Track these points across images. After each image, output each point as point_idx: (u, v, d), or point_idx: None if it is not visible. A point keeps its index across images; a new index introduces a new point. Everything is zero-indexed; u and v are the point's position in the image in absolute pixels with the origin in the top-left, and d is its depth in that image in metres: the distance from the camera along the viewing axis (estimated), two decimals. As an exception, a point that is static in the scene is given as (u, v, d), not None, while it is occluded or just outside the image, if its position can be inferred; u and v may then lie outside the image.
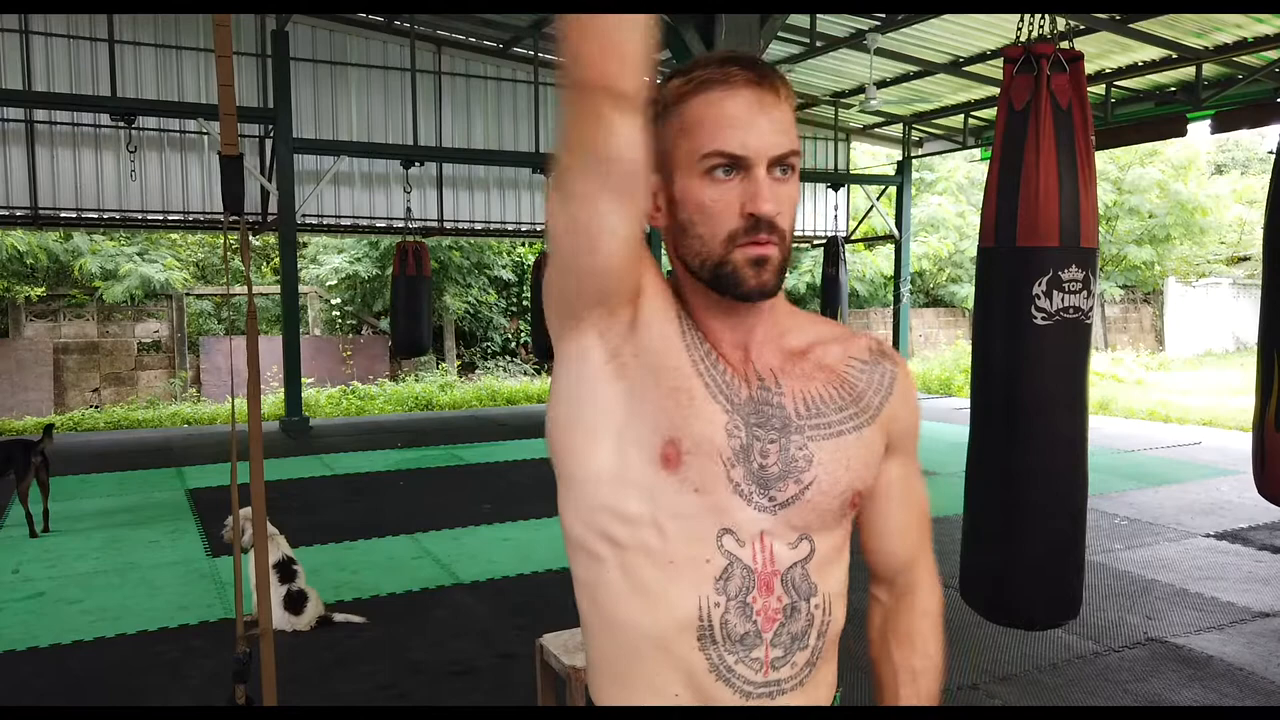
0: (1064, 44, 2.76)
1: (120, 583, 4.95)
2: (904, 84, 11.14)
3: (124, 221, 10.38)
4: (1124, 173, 19.19)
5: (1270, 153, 19.76)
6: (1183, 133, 9.88)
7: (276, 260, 13.34)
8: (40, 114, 9.64)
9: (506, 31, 11.21)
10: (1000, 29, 9.06)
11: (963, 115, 12.01)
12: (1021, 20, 2.94)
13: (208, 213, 10.50)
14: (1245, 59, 9.08)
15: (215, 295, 15.35)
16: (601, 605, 1.05)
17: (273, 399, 11.77)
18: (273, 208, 10.04)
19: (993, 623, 2.88)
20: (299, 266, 11.83)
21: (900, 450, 1.14)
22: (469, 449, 9.17)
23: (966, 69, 10.33)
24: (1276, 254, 3.48)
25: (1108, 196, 18.46)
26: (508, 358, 17.12)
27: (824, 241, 12.82)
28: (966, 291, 18.61)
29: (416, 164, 10.68)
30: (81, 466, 8.19)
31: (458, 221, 12.08)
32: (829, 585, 1.05)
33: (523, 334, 17.13)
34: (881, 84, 10.64)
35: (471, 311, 16.60)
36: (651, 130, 1.00)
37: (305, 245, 15.96)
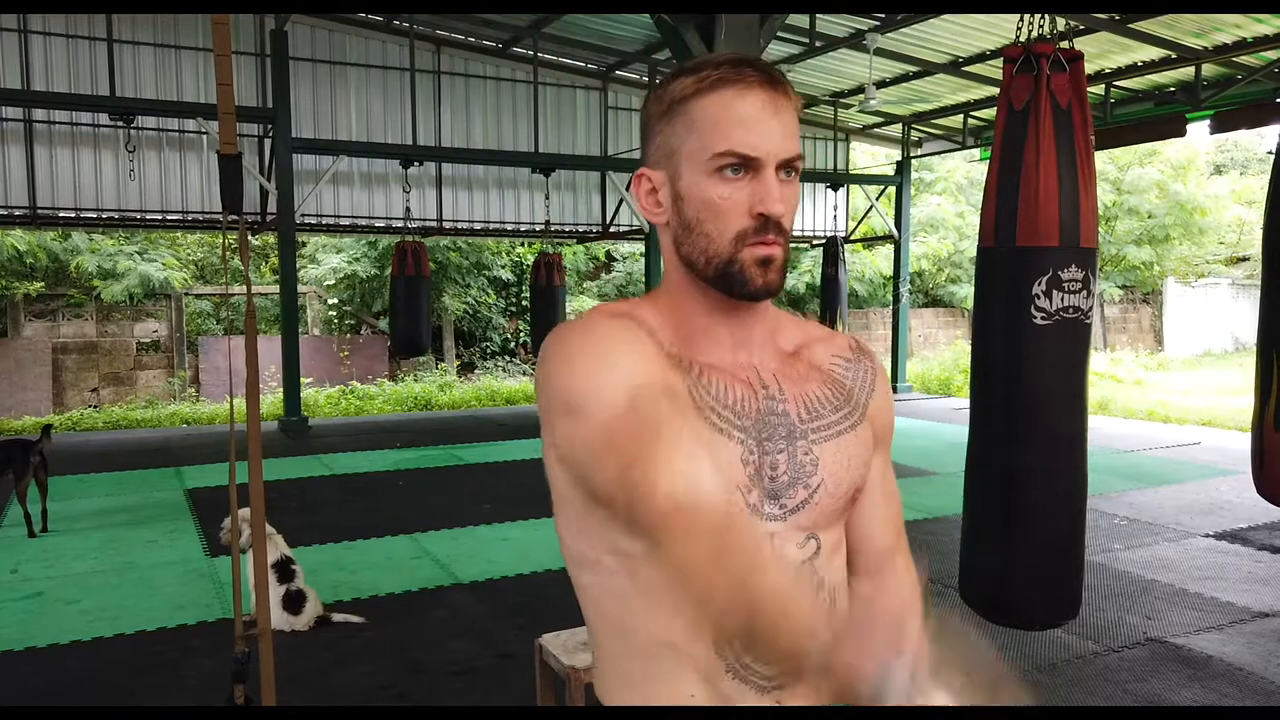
0: (1064, 44, 2.76)
1: (118, 583, 4.95)
2: (903, 84, 11.14)
3: (123, 221, 10.37)
4: (1123, 173, 19.20)
5: (1269, 153, 19.76)
6: (1182, 133, 9.88)
7: (275, 260, 13.33)
8: (39, 113, 9.63)
9: (506, 31, 11.20)
10: (1000, 29, 9.06)
11: (962, 115, 12.01)
12: (1021, 20, 2.93)
13: (206, 212, 10.49)
14: (1244, 59, 9.08)
15: (214, 295, 15.35)
16: (610, 612, 1.04)
17: (271, 399, 11.76)
18: (272, 207, 10.03)
19: (992, 623, 2.88)
20: (298, 266, 11.83)
21: (881, 445, 1.16)
22: (468, 449, 9.16)
23: (966, 69, 10.33)
24: (1276, 254, 3.49)
25: (1107, 197, 18.46)
26: (507, 358, 17.12)
27: (823, 241, 12.81)
28: (966, 292, 18.61)
29: (415, 164, 10.67)
30: (80, 466, 8.18)
31: (457, 221, 12.08)
32: (834, 576, 1.07)
33: (522, 334, 17.13)
34: (881, 84, 10.64)
35: (470, 311, 16.59)
36: (657, 127, 1.03)
37: (304, 245, 15.95)
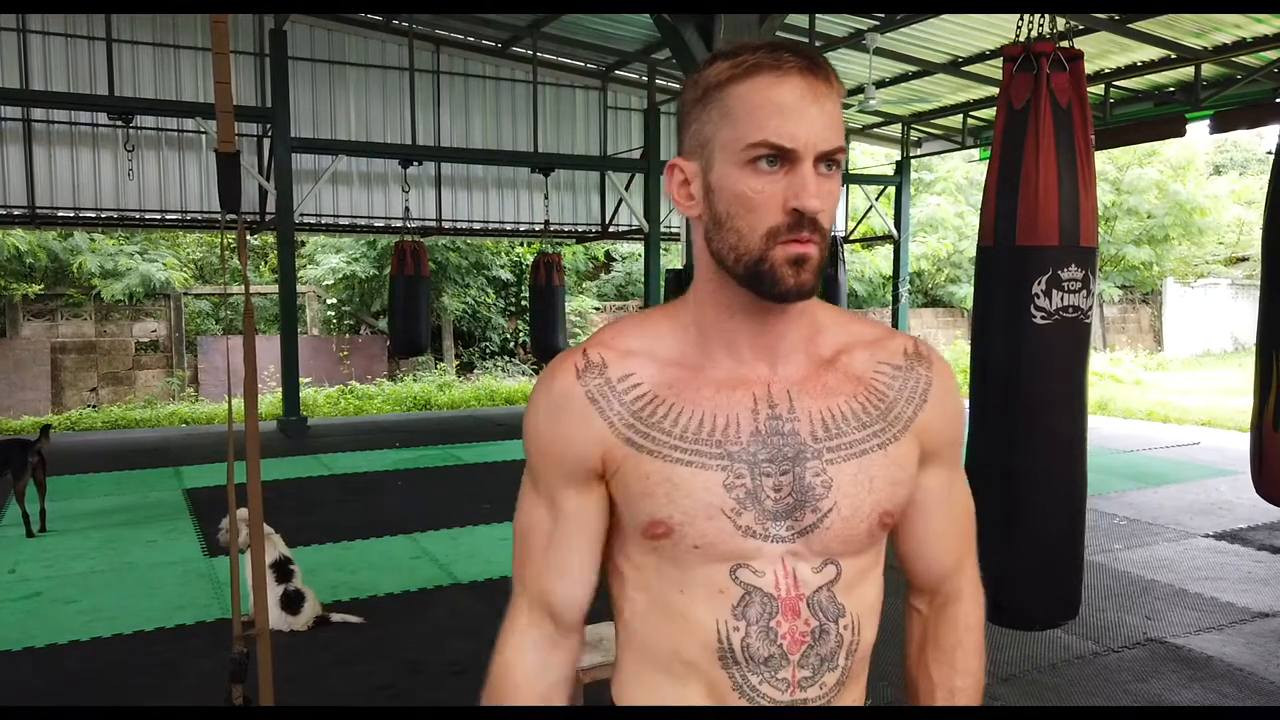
0: (1064, 43, 2.75)
1: (117, 583, 4.94)
2: (903, 84, 11.14)
3: (122, 221, 10.37)
4: (1122, 173, 19.20)
5: (1269, 153, 19.76)
6: (1181, 133, 9.87)
7: (274, 259, 13.32)
8: (38, 113, 9.62)
9: (505, 31, 11.20)
10: (999, 29, 9.05)
11: (961, 115, 12.00)
12: (1021, 19, 2.93)
13: (205, 212, 10.49)
14: (1244, 59, 9.07)
15: (213, 295, 15.34)
16: (627, 621, 1.05)
17: (270, 399, 11.75)
18: (270, 207, 10.02)
19: (992, 623, 2.87)
20: (297, 266, 11.82)
21: (938, 459, 1.08)
22: (467, 449, 9.15)
23: (965, 69, 10.32)
24: (1275, 255, 3.48)
25: (1106, 197, 18.46)
26: (506, 358, 17.11)
27: (823, 241, 12.78)
28: (965, 291, 18.62)
29: (415, 163, 10.66)
30: (79, 466, 8.17)
31: (456, 221, 12.07)
32: (858, 606, 1.02)
33: (521, 334, 17.12)
34: (880, 84, 10.63)
35: (470, 311, 16.58)
36: (692, 115, 0.98)
37: (303, 245, 15.94)
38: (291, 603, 4.13)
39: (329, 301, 16.46)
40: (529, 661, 1.07)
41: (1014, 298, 2.69)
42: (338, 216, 11.33)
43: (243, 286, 2.49)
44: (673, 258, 14.91)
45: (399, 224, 10.90)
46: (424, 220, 11.61)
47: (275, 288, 12.18)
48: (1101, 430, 9.77)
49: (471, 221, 12.17)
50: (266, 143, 10.28)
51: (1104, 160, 18.28)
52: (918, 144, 13.44)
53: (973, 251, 3.75)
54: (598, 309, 17.77)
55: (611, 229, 12.80)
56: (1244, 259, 20.78)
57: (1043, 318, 2.66)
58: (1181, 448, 9.05)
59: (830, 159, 0.93)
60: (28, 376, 12.82)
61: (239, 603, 2.55)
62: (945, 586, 1.14)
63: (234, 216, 2.57)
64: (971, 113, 11.88)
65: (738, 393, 1.00)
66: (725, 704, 0.99)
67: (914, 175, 15.72)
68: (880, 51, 9.49)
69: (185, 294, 14.70)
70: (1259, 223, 3.72)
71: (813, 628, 0.98)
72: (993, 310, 2.81)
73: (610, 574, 1.07)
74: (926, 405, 1.05)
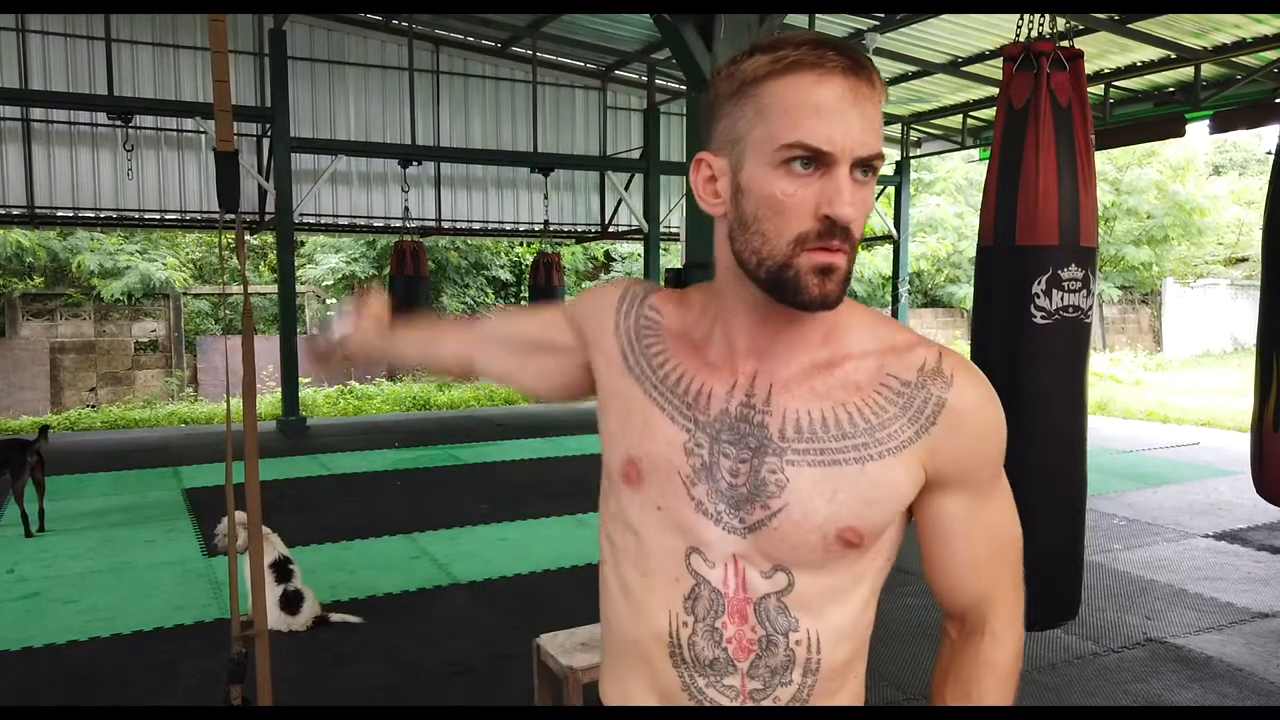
0: (1064, 43, 2.75)
1: (116, 582, 4.93)
2: (902, 84, 11.13)
3: (121, 221, 10.37)
4: (1122, 173, 19.20)
5: (1268, 153, 19.78)
6: (1181, 133, 9.87)
7: (274, 259, 13.32)
8: (37, 113, 9.62)
9: (504, 31, 11.19)
10: (999, 29, 9.05)
11: (961, 115, 12.00)
12: (1021, 19, 2.93)
13: (205, 212, 10.49)
14: (1244, 59, 9.07)
15: (212, 294, 15.33)
16: (604, 604, 1.08)
17: (270, 398, 11.75)
18: (270, 207, 10.02)
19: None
20: (296, 266, 11.81)
21: (957, 485, 0.99)
22: (466, 449, 9.15)
23: (965, 69, 10.32)
24: (1275, 255, 3.48)
25: (1106, 197, 18.47)
26: (506, 358, 17.10)
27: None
28: (965, 292, 18.62)
29: (414, 163, 10.66)
30: (77, 466, 8.16)
31: (455, 221, 12.07)
32: (819, 624, 0.96)
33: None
34: (880, 84, 10.62)
35: (469, 311, 16.58)
36: (725, 109, 0.94)
37: (302, 244, 15.94)
38: (291, 603, 4.12)
39: (328, 301, 16.46)
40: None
41: (1014, 298, 2.69)
42: (337, 216, 11.33)
43: (242, 286, 2.49)
44: (672, 258, 14.91)
45: (398, 224, 10.89)
46: (423, 220, 11.60)
47: (274, 288, 12.17)
48: (1101, 430, 9.77)
49: (471, 221, 12.17)
50: (266, 142, 10.28)
51: (1103, 160, 18.28)
52: (917, 144, 13.44)
53: (972, 252, 3.76)
54: (597, 309, 17.73)
55: (611, 229, 12.80)
56: (1243, 259, 20.79)
57: (1043, 317, 2.66)
58: (1181, 448, 9.05)
59: (868, 165, 0.89)
60: (26, 376, 12.81)
61: (237, 603, 2.55)
62: (971, 617, 1.06)
63: (233, 216, 2.56)
64: (971, 113, 11.88)
65: (721, 374, 1.01)
66: (674, 704, 0.99)
67: (913, 175, 15.71)
68: (880, 52, 9.49)
69: (184, 294, 14.70)
70: (1258, 223, 3.72)
71: (759, 636, 0.96)
72: (993, 310, 2.81)
73: (603, 555, 1.10)
74: (935, 428, 0.96)
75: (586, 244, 15.38)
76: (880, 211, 13.63)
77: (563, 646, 2.63)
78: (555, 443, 9.27)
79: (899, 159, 13.45)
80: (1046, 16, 2.87)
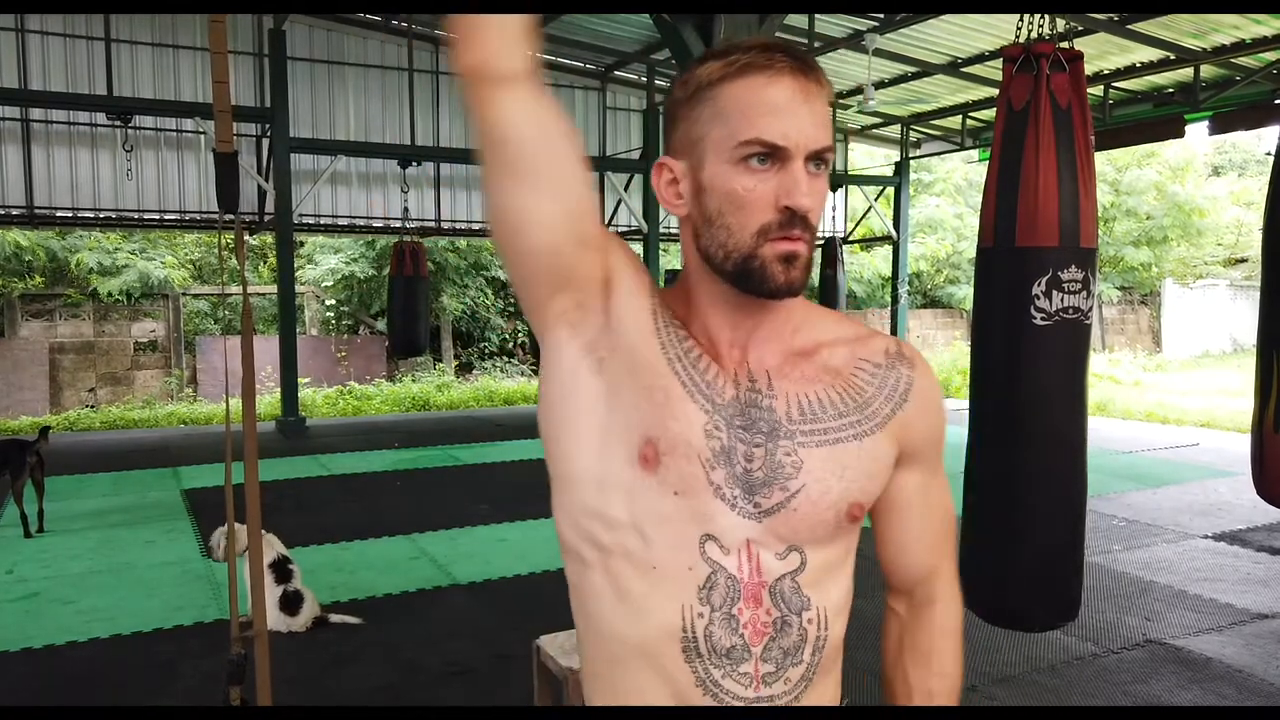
0: (1063, 44, 2.75)
1: (115, 583, 4.93)
2: (902, 85, 11.14)
3: (120, 221, 10.36)
4: (1121, 174, 19.21)
5: (1268, 154, 19.78)
6: (1180, 134, 9.87)
7: (273, 260, 13.32)
8: (36, 113, 9.61)
9: (504, 31, 11.18)
10: (999, 30, 9.06)
11: (961, 116, 12.01)
12: (1021, 20, 2.93)
13: (204, 212, 10.48)
14: (1243, 60, 9.08)
15: (212, 295, 15.32)
16: (590, 613, 1.03)
17: (269, 399, 11.74)
18: (269, 207, 10.01)
19: (991, 624, 2.87)
20: (295, 266, 11.80)
21: (917, 460, 1.08)
22: (466, 449, 9.15)
23: (965, 70, 10.32)
24: (1275, 256, 3.48)
25: (1105, 198, 18.47)
26: (505, 358, 17.10)
27: (822, 242, 12.81)
28: (964, 293, 18.62)
29: (414, 164, 10.66)
30: (77, 466, 8.16)
31: (455, 222, 12.06)
32: (824, 599, 1.00)
33: (520, 334, 17.11)
34: (880, 85, 10.63)
35: (468, 312, 16.57)
36: (682, 114, 0.98)
37: (302, 245, 15.93)
38: (290, 604, 4.12)
39: (328, 302, 16.45)
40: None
41: (1014, 299, 2.68)
42: (336, 217, 11.32)
43: (241, 287, 2.49)
44: (672, 258, 14.90)
45: (398, 224, 10.88)
46: (423, 220, 11.60)
47: (274, 288, 12.17)
48: (1101, 431, 9.77)
49: (470, 222, 12.16)
50: (265, 143, 10.27)
51: (1103, 161, 18.29)
52: (917, 145, 13.45)
53: (972, 252, 3.76)
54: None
55: (610, 229, 12.77)
56: (1243, 260, 20.79)
57: (1043, 319, 2.65)
58: (1181, 449, 9.05)
59: (820, 158, 0.95)
60: (26, 377, 12.80)
61: (237, 603, 2.55)
62: (922, 589, 1.14)
63: (232, 217, 2.56)
64: (970, 113, 11.88)
65: (721, 362, 1.01)
66: (686, 699, 0.97)
67: (913, 176, 15.72)
68: (879, 52, 9.49)
69: (184, 294, 14.69)
70: (1258, 224, 3.72)
71: (774, 618, 0.97)
72: (993, 311, 2.81)
73: (569, 558, 1.04)
74: (907, 404, 1.04)
75: (586, 244, 15.35)
76: (880, 212, 13.63)
77: (562, 647, 2.63)
78: (555, 443, 9.24)
79: (899, 160, 13.45)
80: (1046, 17, 2.87)
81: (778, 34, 8.49)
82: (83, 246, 13.77)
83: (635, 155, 12.32)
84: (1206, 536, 5.75)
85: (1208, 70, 9.39)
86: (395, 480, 7.70)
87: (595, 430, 0.98)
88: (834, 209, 12.99)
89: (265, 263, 16.01)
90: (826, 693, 1.03)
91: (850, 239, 14.34)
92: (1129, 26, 8.34)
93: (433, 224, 11.77)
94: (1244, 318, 19.39)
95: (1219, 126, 9.73)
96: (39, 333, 13.59)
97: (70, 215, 10.00)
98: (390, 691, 3.56)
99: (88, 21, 9.68)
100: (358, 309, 16.56)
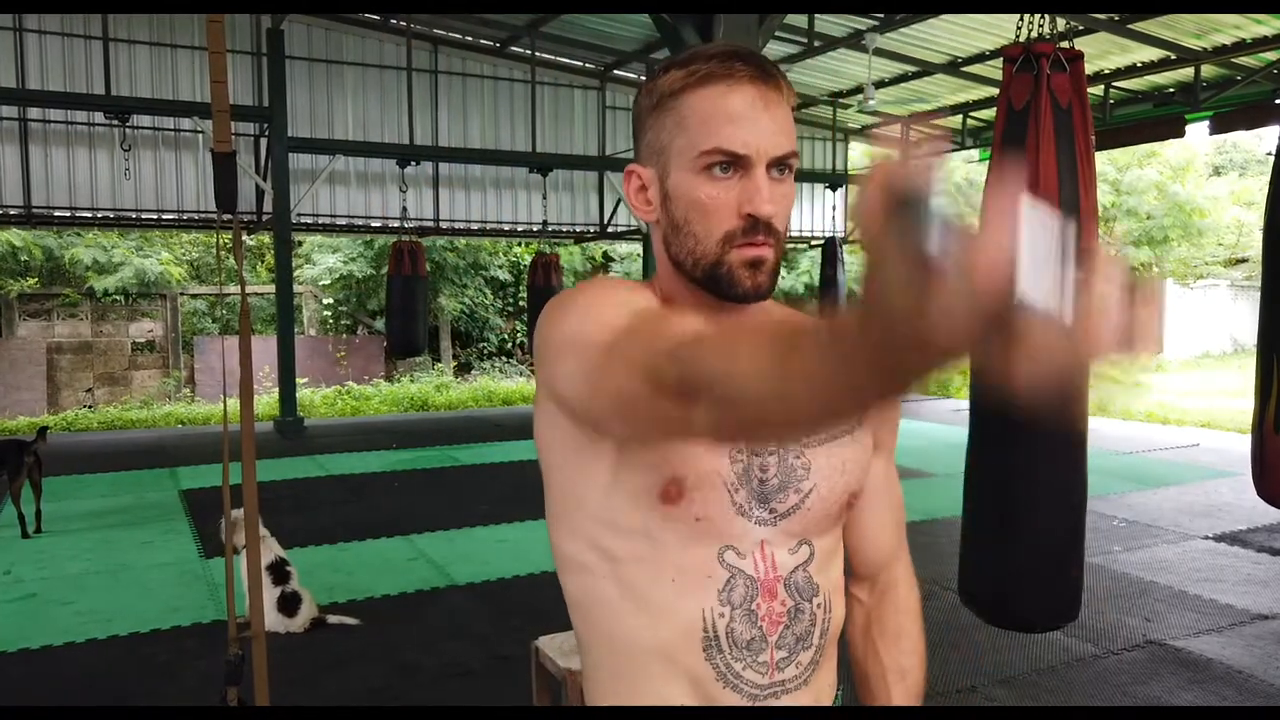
0: (1064, 44, 2.74)
1: (113, 584, 4.92)
2: (902, 84, 11.14)
3: (118, 220, 10.35)
4: (1122, 174, 19.21)
5: (1269, 154, 19.79)
6: (1181, 134, 9.88)
7: (271, 259, 13.31)
8: (34, 112, 9.60)
9: (503, 30, 11.18)
10: (999, 29, 9.05)
11: (961, 116, 12.01)
12: (1021, 20, 2.92)
13: (202, 212, 10.47)
14: (1243, 60, 9.08)
15: (209, 295, 15.32)
16: (597, 621, 1.02)
17: (267, 399, 11.73)
18: (268, 207, 10.01)
19: (992, 625, 2.86)
20: (294, 266, 11.80)
21: (883, 447, 1.12)
22: (464, 450, 9.14)
23: (965, 69, 10.32)
24: (1276, 256, 3.47)
25: (1105, 198, 18.47)
26: (504, 358, 17.10)
27: (822, 242, 12.80)
28: (963, 292, 18.59)
29: (412, 163, 10.64)
30: (74, 467, 8.14)
31: (454, 221, 12.06)
32: (829, 583, 1.05)
33: (519, 334, 17.11)
34: (880, 84, 10.63)
35: (467, 312, 16.57)
36: (648, 123, 1.00)
37: (300, 245, 15.92)
38: (288, 604, 4.11)
39: (326, 301, 16.44)
40: None
41: (1014, 299, 2.67)
42: (335, 216, 11.31)
43: (239, 286, 2.48)
44: (671, 258, 14.88)
45: (396, 224, 10.87)
46: (421, 220, 11.59)
47: (272, 288, 12.16)
48: (1101, 432, 9.76)
49: (469, 222, 12.15)
50: (264, 142, 10.27)
51: (1103, 161, 18.29)
52: (917, 145, 13.44)
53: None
54: (596, 309, 17.74)
55: (610, 229, 12.79)
56: (1243, 260, 20.79)
57: (1043, 319, 2.64)
58: (1181, 449, 9.04)
59: (783, 164, 0.96)
60: (23, 377, 12.79)
61: (234, 604, 2.54)
62: (884, 574, 1.19)
63: (230, 216, 2.55)
64: (970, 113, 11.88)
65: None
66: (708, 695, 0.98)
67: (912, 176, 15.71)
68: (879, 52, 9.48)
69: (181, 294, 14.68)
70: (1258, 224, 3.71)
71: (789, 607, 1.00)
72: (993, 311, 2.79)
73: (571, 570, 1.03)
74: None
75: (585, 244, 15.37)
76: (879, 212, 13.61)
77: (561, 649, 2.62)
78: (554, 443, 9.24)
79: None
80: (1046, 17, 2.86)
81: (777, 33, 8.49)
82: (79, 243, 13.76)
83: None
84: (1207, 537, 5.74)
85: (1208, 70, 9.39)
86: (393, 481, 7.69)
87: (607, 462, 0.96)
88: (834, 209, 12.99)
89: (263, 262, 16.00)
90: (829, 676, 1.07)
91: (850, 238, 14.34)
92: (1129, 26, 8.34)
93: (431, 223, 11.76)
94: (1244, 318, 19.39)
95: (1219, 126, 9.73)
96: (36, 333, 13.58)
97: (68, 215, 9.99)
98: (388, 692, 3.55)
99: (86, 21, 9.67)
100: (356, 309, 16.55)
